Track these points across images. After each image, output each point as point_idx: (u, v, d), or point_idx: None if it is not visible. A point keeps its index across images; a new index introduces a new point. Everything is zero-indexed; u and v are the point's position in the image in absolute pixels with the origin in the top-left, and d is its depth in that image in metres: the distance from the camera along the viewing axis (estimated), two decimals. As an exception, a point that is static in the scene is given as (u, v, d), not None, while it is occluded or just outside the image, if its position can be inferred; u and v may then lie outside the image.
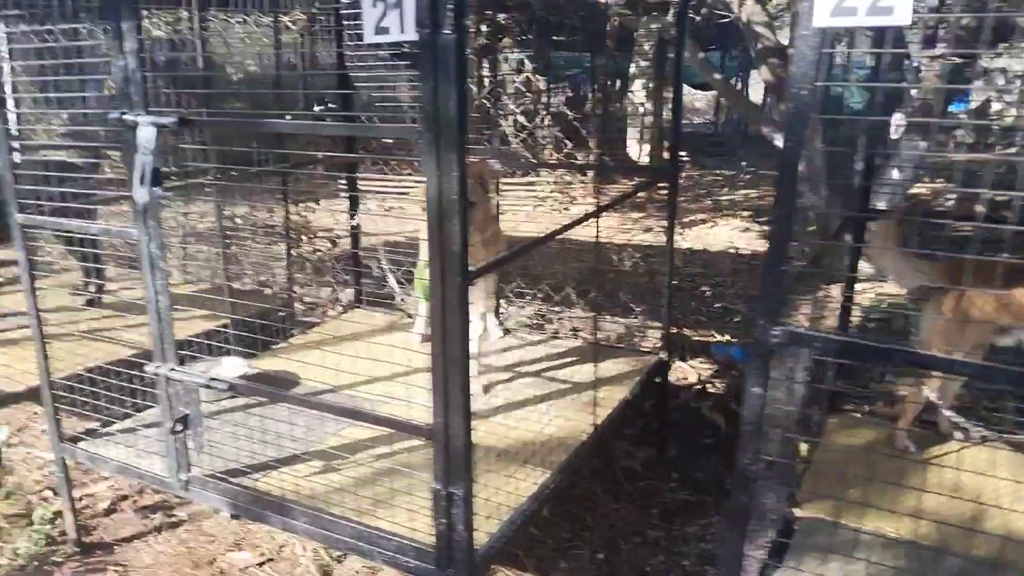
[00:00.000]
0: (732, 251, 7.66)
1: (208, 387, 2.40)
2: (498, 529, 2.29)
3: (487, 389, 3.27)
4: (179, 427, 2.49)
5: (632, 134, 8.76)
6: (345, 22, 3.68)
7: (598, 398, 3.02)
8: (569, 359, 3.62)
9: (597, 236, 2.93)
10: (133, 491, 3.41)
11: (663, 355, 3.63)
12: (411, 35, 1.82)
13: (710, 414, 4.15)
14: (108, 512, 3.27)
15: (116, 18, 2.26)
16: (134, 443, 2.85)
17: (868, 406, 3.32)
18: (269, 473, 2.63)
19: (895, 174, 6.31)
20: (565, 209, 7.37)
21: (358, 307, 4.41)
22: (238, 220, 4.70)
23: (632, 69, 8.61)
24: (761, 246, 7.86)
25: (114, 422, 3.02)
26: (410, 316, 4.17)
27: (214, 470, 2.62)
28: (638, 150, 8.56)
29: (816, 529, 2.44)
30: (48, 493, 3.40)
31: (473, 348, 3.33)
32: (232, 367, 3.29)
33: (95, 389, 2.92)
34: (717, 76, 7.88)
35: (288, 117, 3.47)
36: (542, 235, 2.49)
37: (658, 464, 3.69)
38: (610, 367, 3.45)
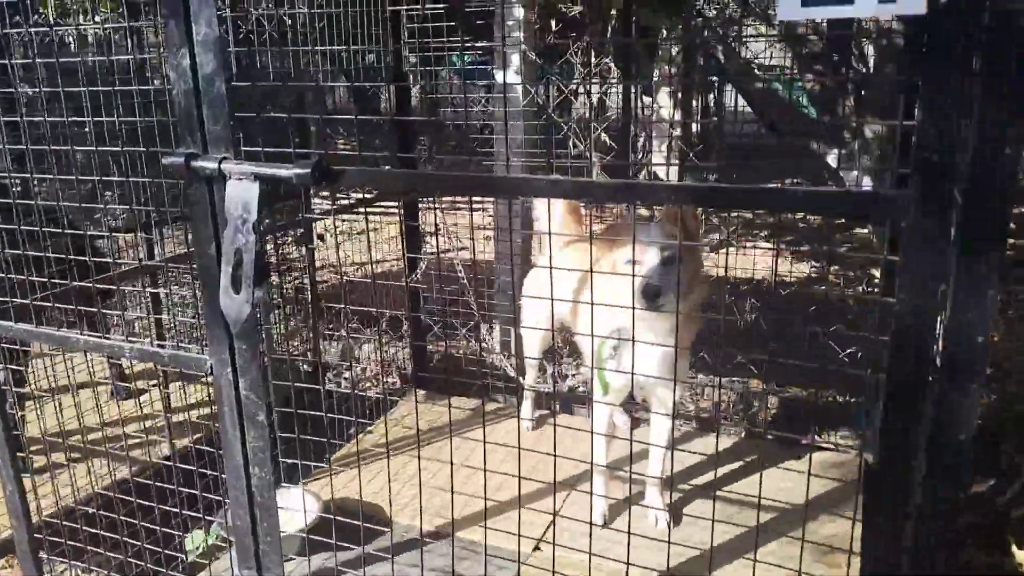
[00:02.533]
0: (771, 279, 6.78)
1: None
2: None
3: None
4: None
5: (656, 147, 7.88)
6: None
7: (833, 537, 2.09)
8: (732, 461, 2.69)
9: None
10: None
11: (869, 456, 2.71)
12: (911, 6, 0.86)
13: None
14: None
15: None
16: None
17: None
18: None
19: None
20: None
21: (420, 384, 3.39)
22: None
23: (655, 76, 7.74)
24: (800, 273, 7.04)
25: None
26: (504, 397, 3.17)
27: None
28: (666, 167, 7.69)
29: None
30: None
31: (657, 464, 2.40)
32: (297, 505, 2.25)
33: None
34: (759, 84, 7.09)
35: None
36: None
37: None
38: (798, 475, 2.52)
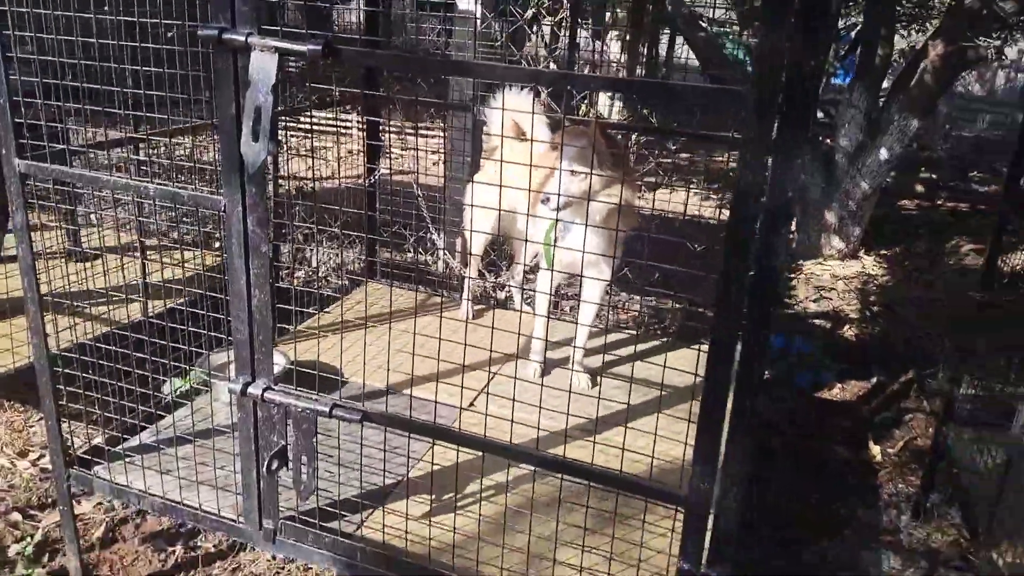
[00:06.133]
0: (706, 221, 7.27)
1: (330, 416, 1.77)
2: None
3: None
4: (275, 464, 1.85)
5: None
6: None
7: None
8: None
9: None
10: (129, 511, 2.70)
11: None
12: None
13: (768, 413, 3.83)
14: (107, 543, 2.56)
15: None
16: (170, 467, 2.17)
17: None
18: (372, 514, 2.05)
19: (883, 154, 6.20)
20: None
21: (372, 280, 3.76)
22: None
23: (607, 18, 8.07)
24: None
25: (127, 436, 2.32)
26: (445, 291, 3.58)
27: (294, 510, 2.01)
28: (609, 108, 8.09)
29: None
30: (16, 516, 2.63)
31: (582, 335, 2.85)
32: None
33: (100, 395, 2.19)
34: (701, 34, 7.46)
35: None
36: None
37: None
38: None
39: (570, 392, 1.83)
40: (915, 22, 10.19)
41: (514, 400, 1.77)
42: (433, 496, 2.12)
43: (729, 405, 1.48)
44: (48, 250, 3.07)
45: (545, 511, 1.92)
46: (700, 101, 1.32)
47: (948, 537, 2.88)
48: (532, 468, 1.74)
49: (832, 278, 5.99)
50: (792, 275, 6.01)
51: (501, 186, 1.79)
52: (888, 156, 6.15)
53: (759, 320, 1.42)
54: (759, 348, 1.44)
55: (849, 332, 4.78)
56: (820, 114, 9.52)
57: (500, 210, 2.87)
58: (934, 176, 9.73)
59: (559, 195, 2.36)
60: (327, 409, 1.77)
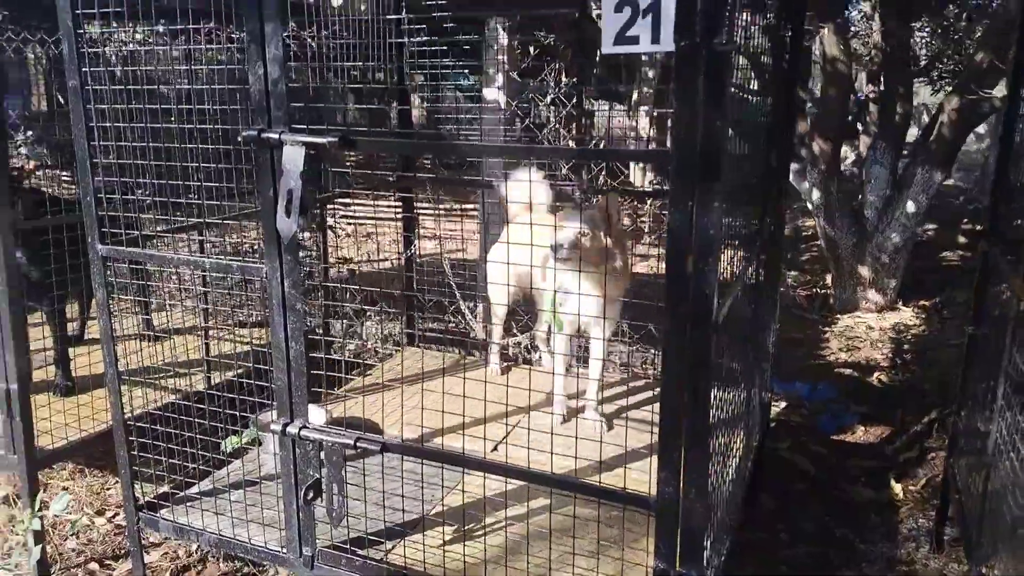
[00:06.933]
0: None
1: (355, 448, 2.07)
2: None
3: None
4: (311, 494, 2.14)
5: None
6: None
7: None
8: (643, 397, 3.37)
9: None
10: (192, 559, 3.00)
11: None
12: (667, 46, 1.57)
13: (792, 456, 3.95)
14: (174, 587, 2.86)
15: (258, 18, 1.95)
16: (224, 509, 2.48)
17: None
18: (399, 542, 2.30)
19: (910, 206, 6.34)
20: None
21: (411, 345, 4.09)
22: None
23: (635, 96, 8.51)
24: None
25: (189, 483, 2.64)
26: (474, 351, 3.88)
27: (333, 540, 2.28)
28: (642, 176, 8.47)
29: None
30: (94, 566, 2.96)
31: (596, 370, 3.12)
32: (312, 416, 2.93)
33: (167, 445, 2.53)
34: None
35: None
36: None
37: (756, 517, 3.44)
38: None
39: (578, 421, 2.08)
40: (955, 78, 10.37)
41: (525, 427, 2.04)
42: (454, 525, 2.36)
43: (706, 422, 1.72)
44: (126, 330, 3.50)
45: (553, 536, 2.15)
46: (637, 161, 1.61)
47: (964, 566, 2.95)
48: (526, 486, 1.98)
49: (867, 330, 6.08)
50: (826, 328, 6.12)
51: (507, 243, 2.10)
52: (915, 208, 6.29)
53: (697, 339, 1.67)
54: (699, 365, 1.68)
55: (876, 378, 4.87)
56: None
57: (511, 264, 3.19)
58: (978, 227, 9.72)
59: (554, 244, 2.67)
60: (352, 441, 2.06)
